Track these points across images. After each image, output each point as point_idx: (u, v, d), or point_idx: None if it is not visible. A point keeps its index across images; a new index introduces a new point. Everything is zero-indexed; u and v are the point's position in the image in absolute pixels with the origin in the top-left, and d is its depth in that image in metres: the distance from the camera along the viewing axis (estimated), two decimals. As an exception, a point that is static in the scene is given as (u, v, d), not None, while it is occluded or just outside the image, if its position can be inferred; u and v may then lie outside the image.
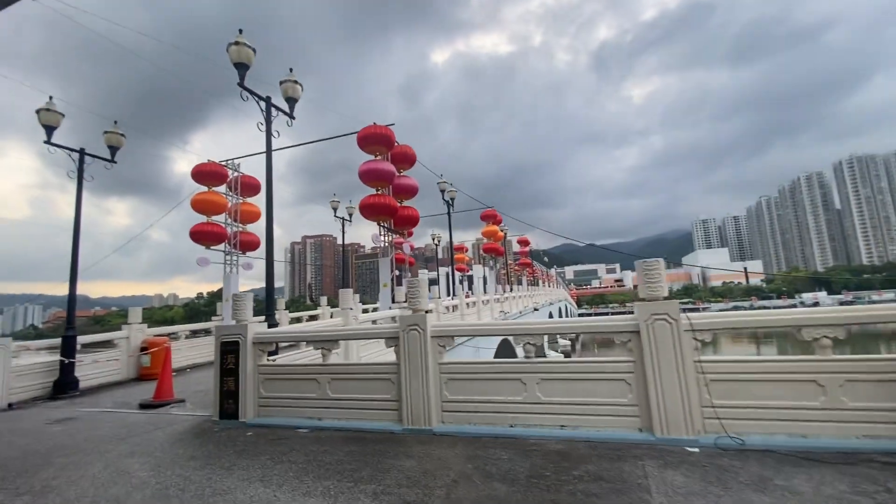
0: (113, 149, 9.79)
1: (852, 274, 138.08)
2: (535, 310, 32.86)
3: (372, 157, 11.12)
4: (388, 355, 9.32)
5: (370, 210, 10.81)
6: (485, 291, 22.56)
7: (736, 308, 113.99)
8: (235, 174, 13.49)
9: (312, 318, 17.35)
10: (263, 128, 7.46)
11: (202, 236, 12.31)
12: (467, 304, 14.88)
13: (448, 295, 24.19)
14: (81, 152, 9.30)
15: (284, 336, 5.88)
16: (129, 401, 7.58)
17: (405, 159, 11.97)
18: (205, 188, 12.73)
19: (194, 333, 12.47)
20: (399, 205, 11.32)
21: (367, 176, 10.87)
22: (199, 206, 12.41)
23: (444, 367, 4.84)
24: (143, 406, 6.93)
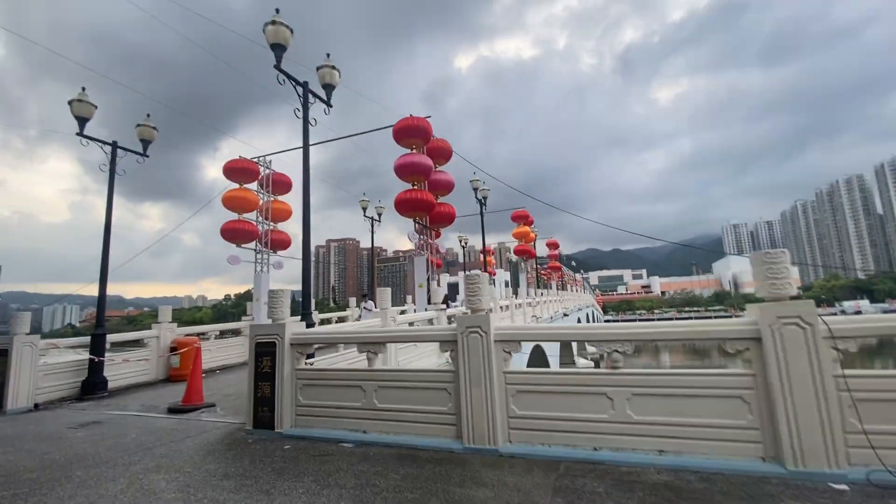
0: (145, 142, 9.53)
1: (894, 282, 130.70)
2: (565, 315, 31.76)
3: (408, 151, 10.58)
4: (428, 359, 8.74)
5: (406, 205, 10.26)
6: (507, 295, 21.91)
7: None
8: (267, 171, 13.17)
9: (342, 319, 16.94)
10: (301, 114, 6.97)
11: (233, 234, 12.00)
12: (501, 307, 14.15)
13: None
14: (114, 145, 9.05)
15: (325, 337, 5.31)
16: (157, 404, 7.17)
17: (441, 154, 11.38)
18: (236, 185, 12.43)
19: (223, 334, 12.15)
20: (435, 201, 10.77)
21: (404, 170, 10.32)
22: (230, 203, 12.11)
23: (511, 376, 4.16)
24: (172, 410, 6.48)
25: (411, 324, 8.54)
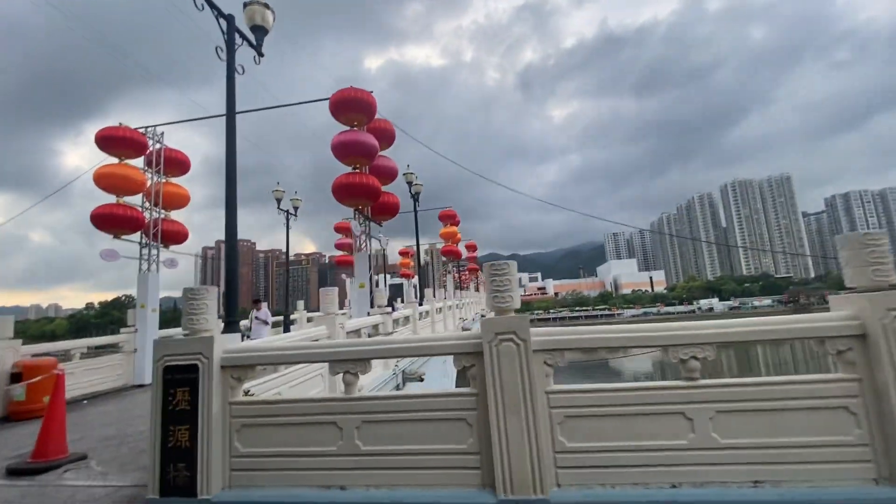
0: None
1: (736, 283, 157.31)
2: (483, 316, 31.92)
3: (347, 128, 9.02)
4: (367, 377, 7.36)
5: (347, 191, 8.65)
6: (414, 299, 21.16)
7: (646, 314, 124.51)
8: (157, 145, 10.57)
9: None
10: (224, 56, 5.23)
11: (109, 220, 9.29)
12: (435, 309, 13.19)
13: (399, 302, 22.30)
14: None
15: (279, 355, 3.75)
16: (-13, 461, 4.84)
17: (384, 136, 9.98)
18: (115, 160, 9.71)
19: (94, 351, 9.38)
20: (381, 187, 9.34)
21: (344, 149, 8.70)
22: (105, 181, 9.38)
23: (556, 397, 3.14)
24: (15, 472, 4.31)
25: (357, 331, 7.12)
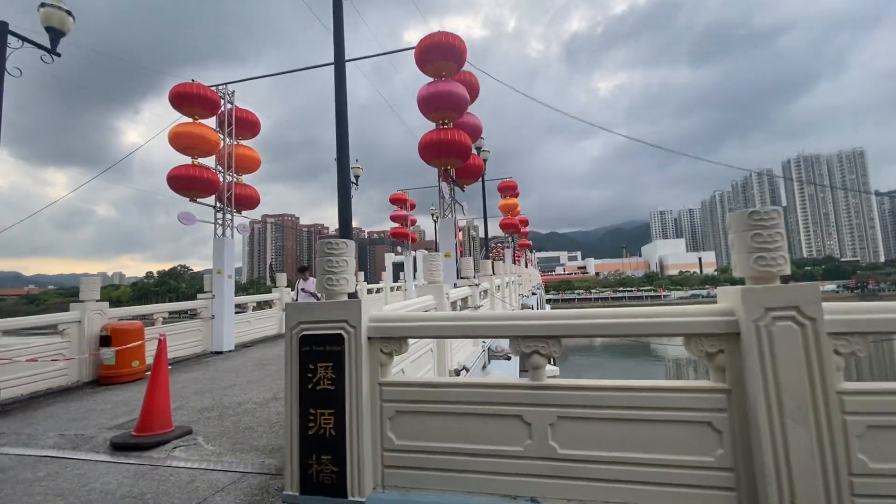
0: (55, 33, 6.34)
1: (796, 266, 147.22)
2: (534, 294, 30.89)
3: (433, 79, 8.11)
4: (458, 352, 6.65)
5: (436, 150, 7.75)
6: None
7: (694, 296, 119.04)
8: (228, 105, 10.09)
9: (264, 304, 14.14)
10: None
11: (187, 182, 8.93)
12: (496, 286, 12.35)
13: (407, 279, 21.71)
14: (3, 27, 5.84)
15: (437, 326, 2.96)
16: (87, 430, 4.48)
17: (470, 90, 8.96)
18: (188, 119, 9.29)
19: (172, 316, 9.23)
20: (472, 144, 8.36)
21: (434, 101, 7.74)
22: (181, 140, 8.98)
23: (855, 398, 2.22)
24: (121, 447, 3.89)
25: (457, 303, 6.39)
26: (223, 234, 9.68)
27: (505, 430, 2.59)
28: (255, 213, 11.28)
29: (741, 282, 2.41)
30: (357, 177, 16.13)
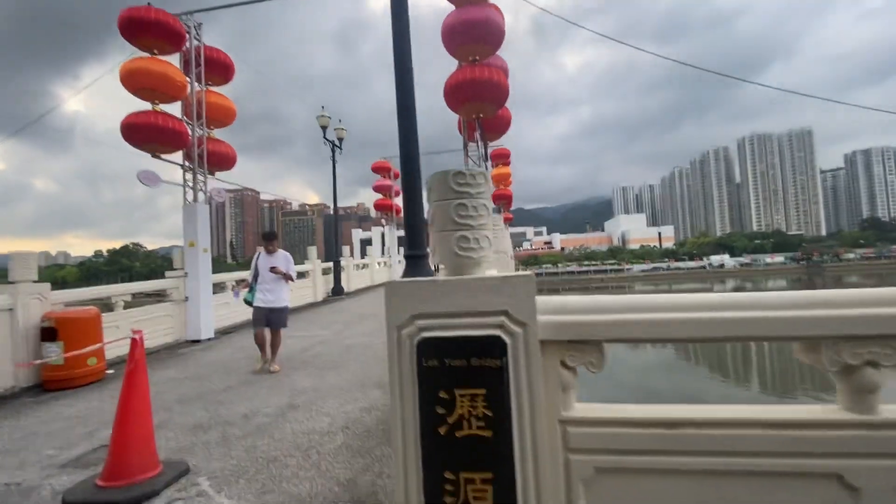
0: None
1: (748, 239, 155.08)
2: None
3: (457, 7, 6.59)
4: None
5: (466, 92, 6.22)
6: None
7: (656, 269, 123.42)
8: (195, 41, 8.21)
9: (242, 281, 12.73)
10: None
11: (147, 132, 7.12)
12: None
13: (383, 255, 20.51)
14: None
15: (674, 321, 1.73)
16: (24, 473, 3.04)
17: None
18: (146, 53, 7.40)
19: (136, 299, 7.61)
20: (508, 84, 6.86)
21: (464, 32, 6.15)
22: (138, 79, 7.11)
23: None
24: (82, 507, 2.52)
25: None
26: (195, 199, 7.99)
27: (808, 499, 1.46)
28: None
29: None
30: (341, 139, 14.40)
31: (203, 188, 8.18)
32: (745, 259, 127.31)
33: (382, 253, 20.32)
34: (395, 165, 20.30)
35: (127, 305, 7.18)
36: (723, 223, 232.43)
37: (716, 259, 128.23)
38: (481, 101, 6.25)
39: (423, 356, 1.57)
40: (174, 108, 7.90)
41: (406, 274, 4.91)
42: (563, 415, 1.61)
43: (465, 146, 7.00)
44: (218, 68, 8.55)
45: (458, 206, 1.67)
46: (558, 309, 1.63)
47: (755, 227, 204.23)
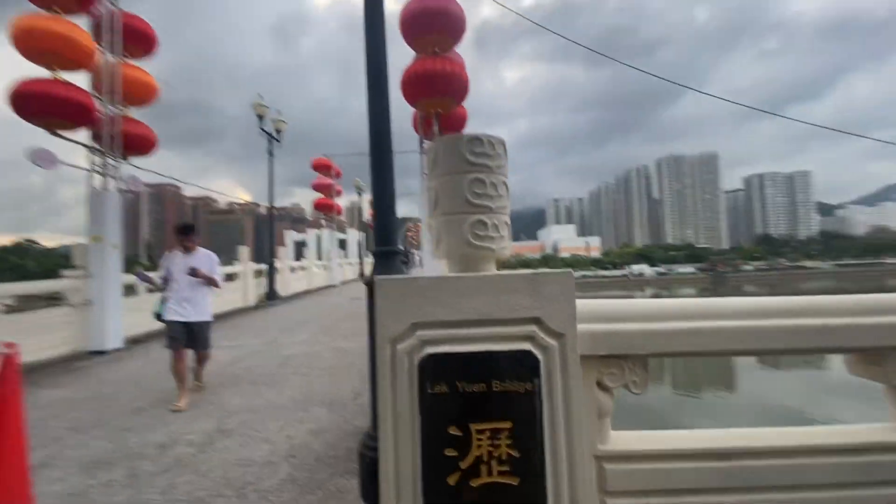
0: None
1: (664, 251, 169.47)
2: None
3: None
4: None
5: (425, 85, 5.75)
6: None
7: (584, 276, 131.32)
8: (109, 5, 7.11)
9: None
10: None
11: (45, 103, 5.95)
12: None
13: (320, 259, 19.82)
14: None
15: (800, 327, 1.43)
16: None
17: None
18: (45, 11, 6.23)
19: (23, 303, 6.37)
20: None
21: (423, 21, 5.71)
22: (35, 40, 5.92)
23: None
24: None
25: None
26: (104, 186, 6.87)
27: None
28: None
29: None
30: (279, 131, 13.41)
31: (115, 174, 7.06)
32: (661, 269, 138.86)
33: (319, 257, 19.27)
34: (338, 163, 19.42)
35: (11, 310, 5.94)
36: (643, 235, 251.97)
37: (636, 268, 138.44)
38: (441, 96, 5.90)
39: (428, 379, 1.18)
40: (82, 82, 6.75)
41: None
42: (600, 449, 1.29)
43: (421, 144, 6.64)
44: (137, 38, 7.47)
45: (473, 181, 1.31)
46: (593, 315, 1.32)
47: (670, 240, 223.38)
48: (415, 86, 5.88)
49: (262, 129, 12.54)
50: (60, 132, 6.41)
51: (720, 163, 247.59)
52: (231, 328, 8.31)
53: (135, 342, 7.30)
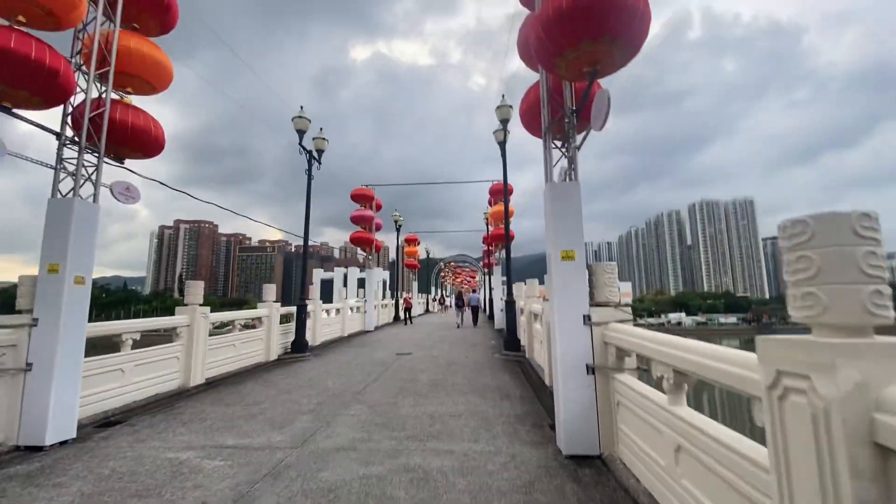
0: None
1: (701, 299, 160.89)
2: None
3: None
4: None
5: (581, 19, 3.62)
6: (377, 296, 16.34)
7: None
8: (113, -48, 5.25)
9: (251, 322, 9.33)
10: None
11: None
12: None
13: (357, 297, 17.37)
14: None
15: None
16: None
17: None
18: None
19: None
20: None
21: None
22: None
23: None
24: None
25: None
26: (75, 191, 4.70)
27: None
28: (164, 214, 6.39)
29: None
30: (321, 151, 11.47)
31: (93, 177, 4.92)
32: (700, 318, 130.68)
33: (345, 296, 16.89)
34: (379, 195, 17.44)
35: None
36: (676, 282, 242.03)
37: (674, 317, 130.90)
38: (613, 36, 3.49)
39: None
40: (61, 45, 4.77)
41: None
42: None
43: (548, 150, 4.11)
44: (151, 6, 5.57)
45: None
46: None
47: (706, 287, 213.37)
48: (566, 23, 3.56)
49: (302, 147, 10.58)
50: (13, 108, 4.35)
51: (757, 208, 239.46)
52: (239, 403, 5.82)
53: (105, 425, 4.88)
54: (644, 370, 3.59)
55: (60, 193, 4.69)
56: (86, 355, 4.88)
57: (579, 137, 4.28)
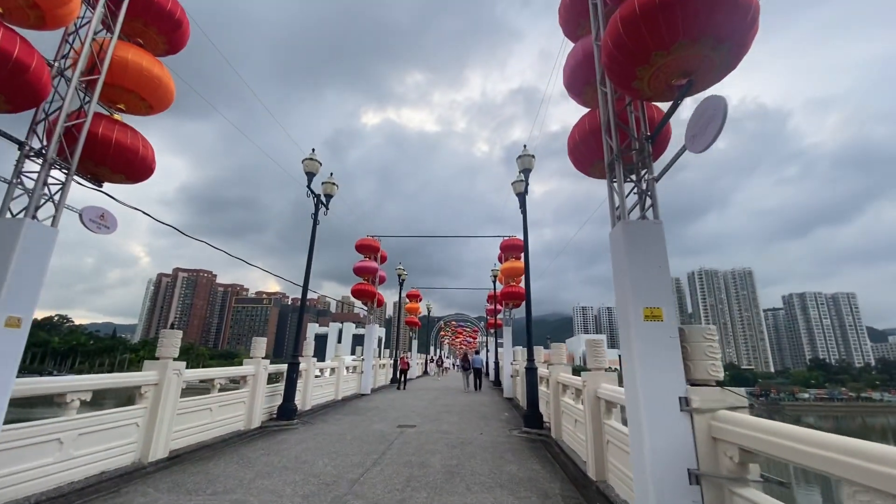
0: None
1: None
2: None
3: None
4: None
5: (669, 19, 3.07)
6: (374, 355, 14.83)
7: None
8: (123, -40, 4.78)
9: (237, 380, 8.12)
10: None
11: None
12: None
13: (353, 354, 16.04)
14: None
15: None
16: None
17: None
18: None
19: None
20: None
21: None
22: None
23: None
24: None
25: None
26: (30, 211, 3.82)
27: None
28: (165, 262, 5.60)
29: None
30: (329, 196, 10.79)
31: (54, 196, 4.06)
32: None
33: (335, 352, 15.50)
34: (384, 246, 16.65)
35: None
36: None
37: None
38: (718, 38, 2.75)
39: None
40: (47, 48, 4.12)
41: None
42: None
43: (619, 184, 3.30)
44: (158, 17, 5.04)
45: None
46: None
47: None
48: (653, 21, 2.86)
49: (310, 190, 9.90)
50: (-36, 106, 3.58)
51: (756, 279, 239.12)
52: (204, 491, 4.54)
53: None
54: (779, 482, 2.50)
55: (11, 213, 3.80)
56: (13, 420, 3.78)
57: (657, 168, 3.46)
